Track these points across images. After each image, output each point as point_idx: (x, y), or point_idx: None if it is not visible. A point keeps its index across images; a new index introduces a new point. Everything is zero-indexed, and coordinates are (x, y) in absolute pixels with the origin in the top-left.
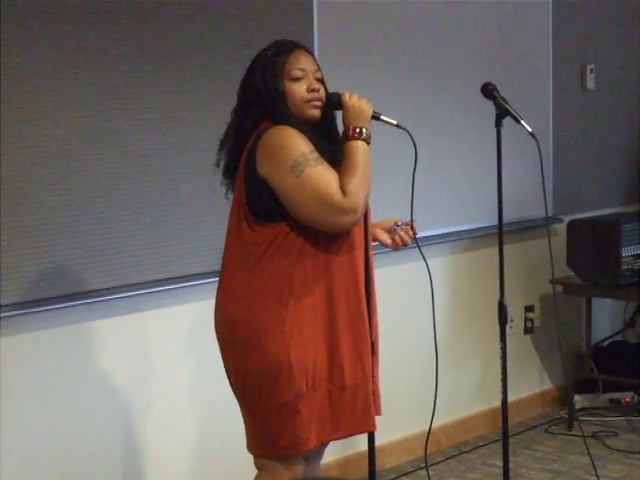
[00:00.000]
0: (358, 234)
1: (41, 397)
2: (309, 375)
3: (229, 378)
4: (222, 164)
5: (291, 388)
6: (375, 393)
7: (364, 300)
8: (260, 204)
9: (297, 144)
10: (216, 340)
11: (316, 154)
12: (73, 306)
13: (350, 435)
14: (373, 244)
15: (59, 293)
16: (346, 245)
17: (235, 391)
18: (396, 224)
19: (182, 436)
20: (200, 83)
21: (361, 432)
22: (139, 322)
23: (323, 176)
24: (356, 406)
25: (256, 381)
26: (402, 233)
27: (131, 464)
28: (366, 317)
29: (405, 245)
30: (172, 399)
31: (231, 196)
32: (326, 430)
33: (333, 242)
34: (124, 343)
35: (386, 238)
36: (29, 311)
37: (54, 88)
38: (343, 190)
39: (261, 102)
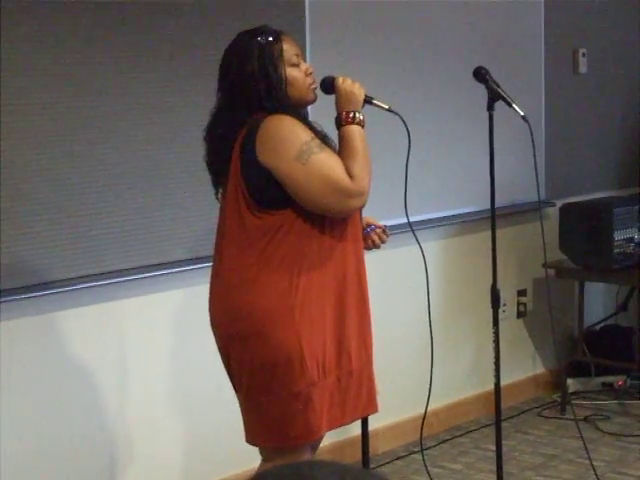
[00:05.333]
0: (358, 220)
1: (23, 386)
2: (319, 362)
3: (229, 372)
4: (211, 155)
5: (303, 377)
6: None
7: (367, 284)
8: (263, 193)
9: (299, 132)
10: (212, 333)
11: (318, 141)
12: (51, 294)
13: (356, 419)
14: None
15: (39, 281)
16: (349, 231)
17: (238, 384)
18: (369, 226)
19: (168, 423)
20: (191, 78)
21: (366, 415)
22: (122, 309)
23: (329, 162)
24: (361, 390)
25: (267, 373)
26: (375, 237)
27: (114, 454)
28: (369, 301)
29: (377, 247)
30: (156, 386)
31: (219, 196)
32: (336, 416)
33: (337, 228)
34: (107, 330)
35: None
36: (11, 298)
37: (49, 84)
38: (349, 174)
39: (258, 92)
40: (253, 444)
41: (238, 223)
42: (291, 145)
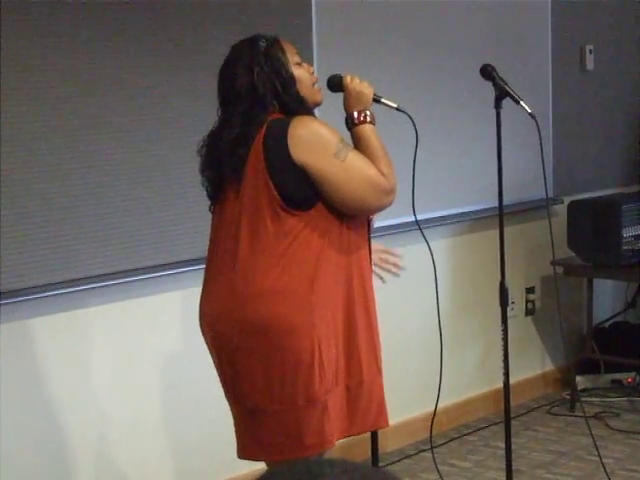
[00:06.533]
0: (366, 225)
1: (20, 384)
2: (333, 369)
3: (233, 385)
4: (221, 162)
5: (322, 383)
6: None
7: (372, 293)
8: (293, 190)
9: (331, 131)
10: (212, 347)
11: (346, 140)
12: (52, 296)
13: (365, 432)
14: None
15: (46, 281)
16: (362, 238)
17: (244, 396)
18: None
19: (166, 424)
20: (198, 77)
21: (376, 429)
22: (123, 310)
23: (364, 160)
24: (372, 403)
25: (287, 381)
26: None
27: (108, 456)
28: (375, 310)
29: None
30: (154, 388)
31: (212, 208)
32: (343, 427)
33: (353, 234)
34: (107, 331)
35: None
36: (21, 299)
37: (53, 81)
38: (380, 172)
39: (276, 93)
40: (259, 459)
41: (255, 227)
42: (328, 143)
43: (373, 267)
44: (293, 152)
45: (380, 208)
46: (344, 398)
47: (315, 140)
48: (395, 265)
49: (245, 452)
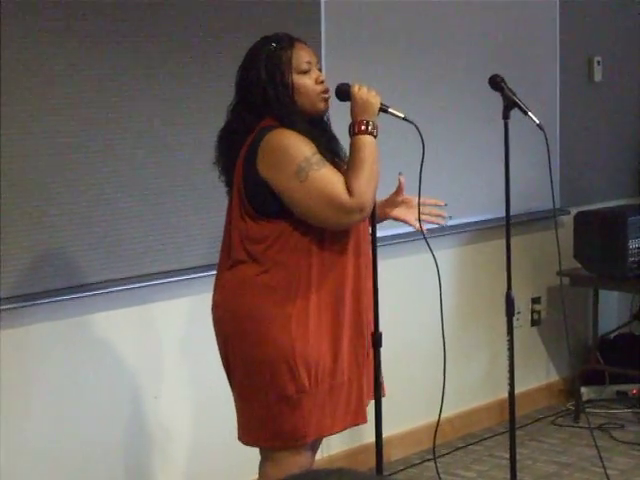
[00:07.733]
0: (362, 233)
1: (42, 390)
2: (312, 371)
3: (228, 370)
4: (221, 161)
5: (294, 382)
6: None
7: (368, 299)
8: (262, 202)
9: (300, 148)
10: (215, 333)
11: (319, 156)
12: (74, 298)
13: (346, 428)
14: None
15: (60, 285)
16: (351, 245)
17: (234, 382)
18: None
19: (184, 425)
20: (207, 83)
21: (355, 425)
22: (141, 314)
23: (328, 179)
24: (351, 400)
25: (258, 372)
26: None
27: (134, 455)
28: (364, 314)
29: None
30: (173, 390)
31: (232, 194)
32: (326, 425)
33: (338, 242)
34: (125, 335)
35: (411, 219)
36: (30, 303)
37: (60, 79)
38: (349, 190)
39: (265, 98)
40: (243, 442)
41: (240, 227)
42: (290, 161)
43: (417, 222)
44: (259, 164)
45: (342, 225)
46: (327, 397)
47: (279, 156)
48: (439, 216)
49: (239, 436)
